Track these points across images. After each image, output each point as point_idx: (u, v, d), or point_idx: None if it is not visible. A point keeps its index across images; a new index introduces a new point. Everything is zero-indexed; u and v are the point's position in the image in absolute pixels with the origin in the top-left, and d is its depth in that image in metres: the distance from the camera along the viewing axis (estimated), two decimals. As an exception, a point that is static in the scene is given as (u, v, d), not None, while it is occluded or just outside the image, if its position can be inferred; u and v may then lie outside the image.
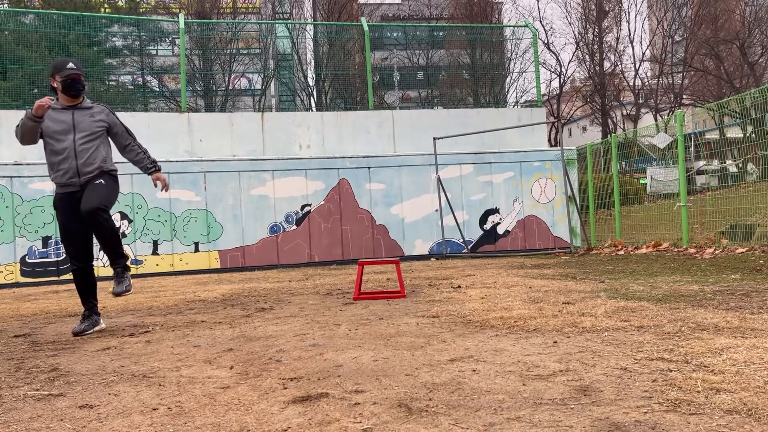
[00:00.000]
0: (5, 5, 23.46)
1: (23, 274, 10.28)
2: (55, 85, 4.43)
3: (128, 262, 4.69)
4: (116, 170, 4.61)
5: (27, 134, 4.34)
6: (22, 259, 10.30)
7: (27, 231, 10.33)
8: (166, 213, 10.94)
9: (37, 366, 3.30)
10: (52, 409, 2.45)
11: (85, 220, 4.34)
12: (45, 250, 10.42)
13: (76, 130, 4.41)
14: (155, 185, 4.69)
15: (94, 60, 15.09)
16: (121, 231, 10.73)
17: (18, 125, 4.34)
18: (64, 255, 10.47)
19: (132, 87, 16.79)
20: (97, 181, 4.42)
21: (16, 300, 7.54)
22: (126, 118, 11.98)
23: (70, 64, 4.40)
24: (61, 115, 4.42)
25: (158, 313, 5.39)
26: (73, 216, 4.42)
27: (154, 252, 10.85)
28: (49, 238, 10.42)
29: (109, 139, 4.63)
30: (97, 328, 4.46)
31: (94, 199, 4.33)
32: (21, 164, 10.43)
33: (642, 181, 15.86)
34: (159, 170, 4.72)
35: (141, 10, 25.99)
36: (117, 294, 4.53)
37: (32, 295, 8.26)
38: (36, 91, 13.62)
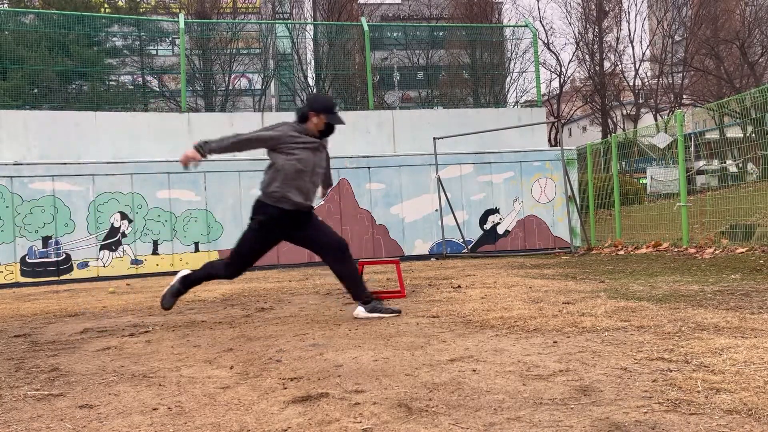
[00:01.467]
0: (5, 5, 23.46)
1: (23, 274, 10.28)
2: (315, 120, 4.36)
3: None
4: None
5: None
6: (22, 259, 10.30)
7: (27, 231, 10.32)
8: (166, 213, 10.94)
9: (37, 366, 3.30)
10: (52, 409, 2.45)
11: (337, 256, 4.45)
12: (45, 250, 10.41)
13: (317, 161, 4.43)
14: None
15: (94, 60, 15.09)
16: (121, 231, 10.75)
17: (233, 137, 4.51)
18: (64, 255, 10.50)
19: (132, 87, 16.80)
20: (320, 219, 4.60)
21: (16, 300, 7.54)
22: (126, 118, 12.09)
23: (338, 111, 4.47)
24: (309, 139, 4.39)
25: (158, 313, 5.39)
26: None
27: (155, 252, 10.85)
28: (49, 238, 10.42)
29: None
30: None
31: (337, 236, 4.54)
32: (21, 164, 10.43)
33: (642, 181, 15.87)
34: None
35: (141, 10, 25.97)
36: (363, 317, 4.46)
37: (32, 295, 8.26)
38: (36, 90, 13.63)
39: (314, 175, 4.44)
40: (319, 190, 4.67)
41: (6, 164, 10.35)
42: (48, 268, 10.42)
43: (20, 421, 2.30)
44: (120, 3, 25.54)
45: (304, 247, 4.68)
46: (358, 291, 4.49)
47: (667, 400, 2.14)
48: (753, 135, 12.12)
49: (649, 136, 14.49)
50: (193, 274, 4.61)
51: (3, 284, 10.03)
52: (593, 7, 34.07)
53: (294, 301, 5.73)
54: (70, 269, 10.49)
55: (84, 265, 10.56)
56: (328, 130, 4.47)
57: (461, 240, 11.83)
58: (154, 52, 16.91)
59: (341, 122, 4.42)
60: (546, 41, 33.37)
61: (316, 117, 4.38)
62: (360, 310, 4.46)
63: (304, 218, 4.46)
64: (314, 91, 21.65)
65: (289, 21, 28.54)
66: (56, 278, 10.37)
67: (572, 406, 2.13)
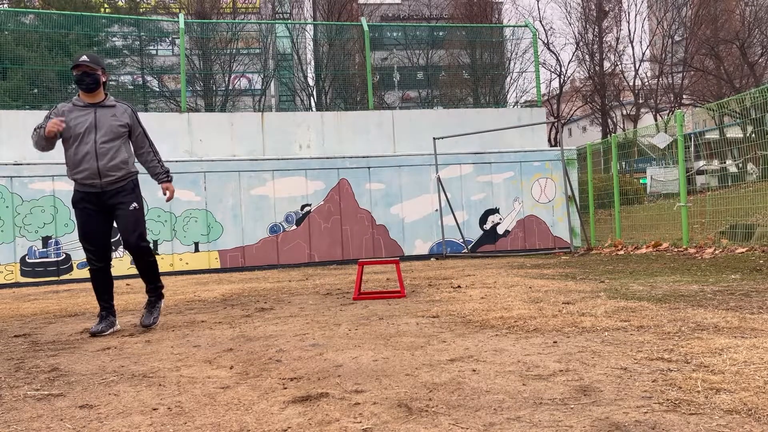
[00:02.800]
0: (5, 5, 23.46)
1: (23, 274, 10.28)
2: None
3: (162, 291, 4.69)
4: (137, 172, 4.58)
5: (42, 146, 4.30)
6: (22, 259, 10.30)
7: (27, 231, 10.33)
8: (166, 213, 10.94)
9: (37, 366, 3.30)
10: (52, 409, 2.45)
11: (127, 249, 4.43)
12: (45, 250, 10.41)
13: (98, 129, 4.31)
14: (164, 194, 4.66)
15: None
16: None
17: (33, 134, 4.28)
18: (64, 255, 10.50)
19: (132, 87, 16.80)
20: (131, 207, 4.39)
21: (16, 300, 7.54)
22: (126, 118, 12.05)
23: (83, 57, 4.29)
24: (83, 113, 4.32)
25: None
26: (93, 217, 4.37)
27: (154, 252, 10.84)
28: (49, 238, 10.42)
29: None
30: (113, 329, 4.38)
31: (135, 231, 4.37)
32: (21, 164, 10.42)
33: (643, 181, 15.87)
34: (170, 180, 4.69)
35: (141, 10, 25.98)
36: (146, 326, 4.47)
37: (32, 295, 8.26)
38: (36, 90, 13.62)
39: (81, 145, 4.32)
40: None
41: (6, 164, 10.35)
42: (48, 268, 10.42)
43: (20, 421, 2.29)
44: (120, 3, 25.55)
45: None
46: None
47: (667, 400, 2.14)
48: (753, 135, 12.12)
49: (649, 136, 14.49)
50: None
51: (3, 284, 10.03)
52: (593, 7, 34.08)
53: (294, 301, 5.73)
54: (70, 269, 10.49)
55: (84, 265, 10.54)
56: (82, 80, 4.30)
57: (461, 240, 11.84)
58: (154, 52, 16.91)
59: (84, 62, 4.26)
60: (546, 41, 33.39)
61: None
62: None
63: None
64: (314, 91, 21.66)
65: (289, 21, 28.54)
66: (56, 278, 10.38)
67: (572, 406, 2.13)
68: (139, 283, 9.04)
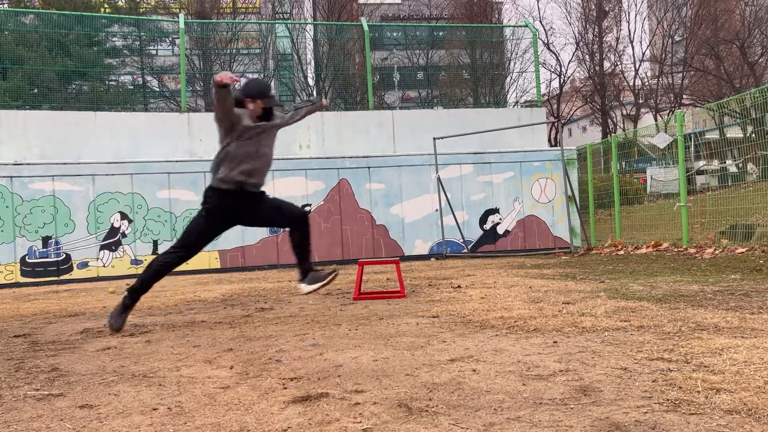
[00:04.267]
0: (5, 5, 23.46)
1: (23, 274, 10.29)
2: (251, 106, 4.46)
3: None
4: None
5: (223, 101, 4.31)
6: (22, 259, 10.30)
7: (27, 231, 10.33)
8: (166, 213, 10.94)
9: (37, 366, 3.30)
10: (52, 409, 2.45)
11: (297, 226, 4.59)
12: (45, 250, 10.42)
13: (266, 138, 4.54)
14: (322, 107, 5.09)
15: (94, 60, 15.09)
16: (121, 231, 10.75)
17: (215, 98, 4.31)
18: (64, 255, 10.50)
19: (132, 87, 16.80)
20: (272, 196, 4.67)
21: (16, 300, 7.54)
22: (126, 118, 12.09)
23: (273, 92, 4.60)
24: (255, 122, 4.49)
25: (158, 313, 5.39)
26: (228, 221, 4.58)
27: (154, 252, 10.84)
28: (49, 238, 10.42)
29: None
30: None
31: (296, 207, 4.74)
32: (21, 164, 10.43)
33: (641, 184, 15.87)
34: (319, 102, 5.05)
35: (141, 10, 25.98)
36: (309, 291, 4.65)
37: (32, 295, 8.26)
38: (36, 90, 13.62)
39: (257, 158, 4.49)
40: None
41: (6, 164, 10.36)
42: (48, 268, 10.42)
43: (20, 421, 2.29)
44: (120, 3, 25.55)
45: (264, 225, 4.91)
46: (305, 262, 4.68)
47: (667, 400, 2.14)
48: (753, 135, 12.12)
49: (649, 136, 14.49)
50: (138, 281, 4.44)
51: (3, 284, 10.03)
52: (593, 7, 34.08)
53: (294, 301, 5.73)
54: (70, 269, 10.49)
55: (84, 265, 10.56)
56: (266, 114, 4.52)
57: (461, 240, 11.84)
58: (154, 52, 16.91)
59: (278, 104, 4.60)
60: (546, 41, 33.39)
61: (252, 103, 4.47)
62: (303, 286, 4.64)
63: (249, 198, 4.51)
64: (314, 91, 21.66)
65: (289, 21, 28.54)
66: (56, 278, 10.38)
67: (572, 406, 2.13)
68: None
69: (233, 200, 4.47)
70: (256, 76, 19.71)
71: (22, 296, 8.11)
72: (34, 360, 3.48)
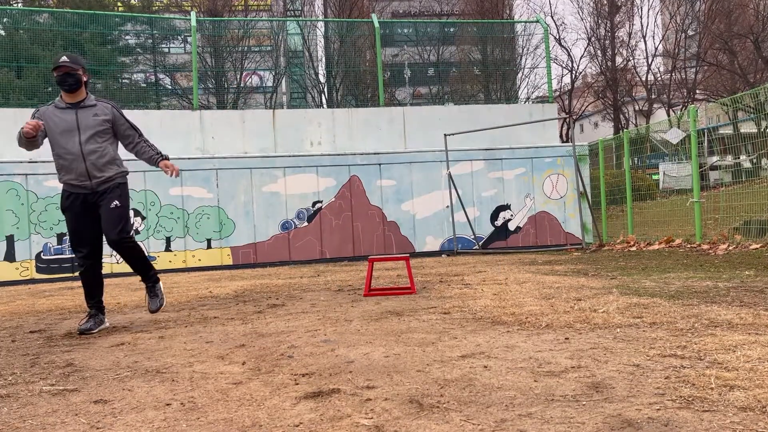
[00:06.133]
0: (19, 4, 23.65)
1: (38, 270, 10.39)
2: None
3: (157, 275, 4.71)
4: (127, 171, 4.54)
5: (26, 146, 4.29)
6: (38, 255, 10.40)
7: (42, 228, 10.42)
8: (179, 210, 11.00)
9: (53, 361, 3.33)
10: (66, 404, 2.48)
11: (110, 246, 4.41)
12: (60, 246, 10.51)
13: (81, 130, 4.28)
14: (166, 173, 4.52)
15: (108, 58, 15.20)
16: (134, 228, 10.81)
17: (17, 135, 4.26)
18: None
19: (145, 85, 16.91)
20: (112, 204, 4.34)
21: (32, 296, 7.62)
22: (139, 115, 12.14)
23: (63, 58, 4.27)
24: (65, 114, 4.31)
25: (171, 309, 5.43)
26: (84, 218, 4.37)
27: (167, 249, 10.92)
28: (64, 234, 10.51)
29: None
30: (102, 327, 4.39)
31: (115, 227, 4.32)
32: (36, 162, 10.51)
33: (654, 177, 15.75)
34: (165, 158, 4.57)
35: (154, 8, 26.10)
36: (154, 311, 4.61)
37: (47, 291, 8.34)
38: (50, 89, 13.73)
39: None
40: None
41: (21, 162, 10.45)
42: (62, 264, 10.52)
43: (35, 416, 2.32)
44: (133, 1, 25.67)
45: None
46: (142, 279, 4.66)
47: (680, 397, 2.13)
48: (767, 130, 11.99)
49: (662, 131, 14.37)
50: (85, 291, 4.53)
51: (19, 280, 10.14)
52: (605, 2, 33.82)
53: (305, 298, 5.75)
54: (78, 269, 10.56)
55: (97, 261, 10.63)
56: (64, 80, 4.28)
57: (472, 236, 11.82)
58: (166, 50, 17.02)
59: (64, 63, 4.25)
60: (557, 37, 33.17)
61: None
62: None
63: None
64: (325, 88, 21.67)
65: (300, 18, 28.57)
66: (71, 275, 10.46)
67: (584, 403, 2.13)
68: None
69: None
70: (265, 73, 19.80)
71: (37, 292, 8.20)
72: (50, 355, 3.51)
